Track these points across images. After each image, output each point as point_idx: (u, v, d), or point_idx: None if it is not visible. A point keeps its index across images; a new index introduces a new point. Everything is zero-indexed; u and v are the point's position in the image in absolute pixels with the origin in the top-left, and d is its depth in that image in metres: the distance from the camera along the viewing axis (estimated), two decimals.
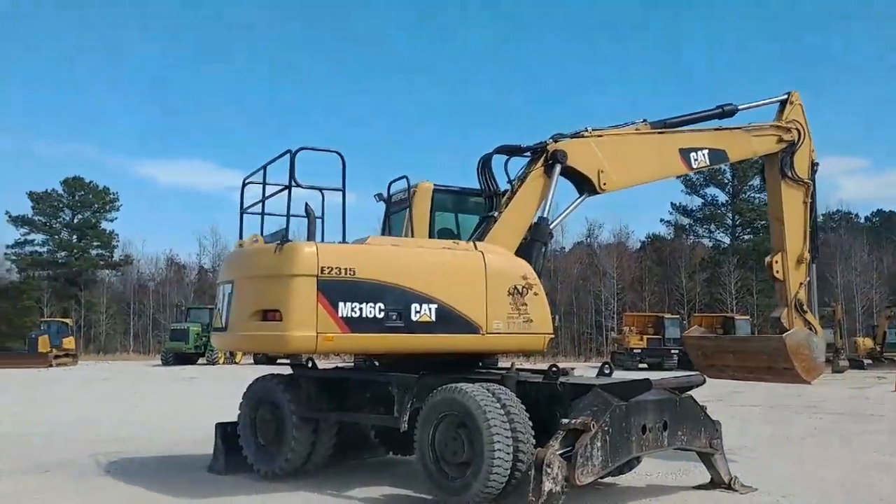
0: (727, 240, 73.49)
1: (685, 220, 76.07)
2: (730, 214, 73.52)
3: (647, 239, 77.40)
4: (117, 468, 9.22)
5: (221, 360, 41.51)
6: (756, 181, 71.70)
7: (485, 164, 8.60)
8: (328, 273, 7.03)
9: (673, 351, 41.40)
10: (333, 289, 7.04)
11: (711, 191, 74.16)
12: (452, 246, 7.96)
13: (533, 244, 8.41)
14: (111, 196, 76.68)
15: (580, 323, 65.16)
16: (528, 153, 8.76)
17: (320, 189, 7.74)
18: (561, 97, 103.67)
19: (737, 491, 7.76)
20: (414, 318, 7.31)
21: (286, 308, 7.05)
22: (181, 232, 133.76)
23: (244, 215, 8.33)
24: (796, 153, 10.13)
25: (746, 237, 72.78)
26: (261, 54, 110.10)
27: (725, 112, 10.00)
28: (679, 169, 9.74)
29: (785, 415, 16.43)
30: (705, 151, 9.60)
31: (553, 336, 8.08)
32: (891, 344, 46.04)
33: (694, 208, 75.23)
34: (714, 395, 20.46)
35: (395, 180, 9.02)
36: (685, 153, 9.46)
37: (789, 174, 10.09)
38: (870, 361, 44.70)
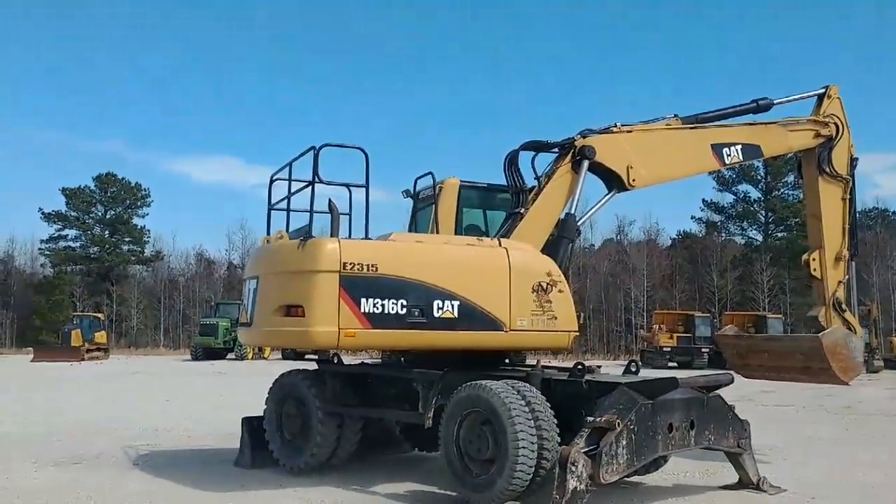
0: (760, 237, 72.50)
1: (717, 217, 75.16)
2: (762, 211, 72.55)
3: (678, 236, 76.52)
4: (147, 461, 9.32)
5: (250, 356, 41.80)
6: (790, 178, 70.61)
7: (511, 161, 8.54)
8: (350, 269, 7.05)
9: (703, 350, 40.91)
10: (356, 284, 7.06)
11: (744, 187, 73.23)
12: (476, 242, 7.92)
13: (560, 241, 8.33)
14: (143, 192, 77.76)
15: (609, 320, 64.71)
16: (556, 149, 8.71)
17: (346, 185, 7.79)
18: (561, 96, 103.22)
19: (765, 491, 7.65)
20: (436, 314, 7.29)
21: (309, 303, 7.10)
22: (211, 228, 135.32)
23: (271, 212, 8.40)
24: (834, 148, 9.91)
25: (780, 235, 71.75)
26: (285, 54, 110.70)
27: (761, 107, 9.80)
28: (711, 164, 9.59)
29: (817, 415, 16.18)
30: (738, 147, 9.43)
31: (578, 334, 8.01)
32: None
33: (726, 205, 74.32)
34: (744, 394, 20.20)
35: (420, 177, 9.05)
36: (718, 148, 9.30)
37: (827, 170, 9.87)
38: None
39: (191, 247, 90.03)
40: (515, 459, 6.45)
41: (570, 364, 7.87)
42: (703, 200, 75.08)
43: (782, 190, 71.60)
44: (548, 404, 6.87)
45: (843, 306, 9.88)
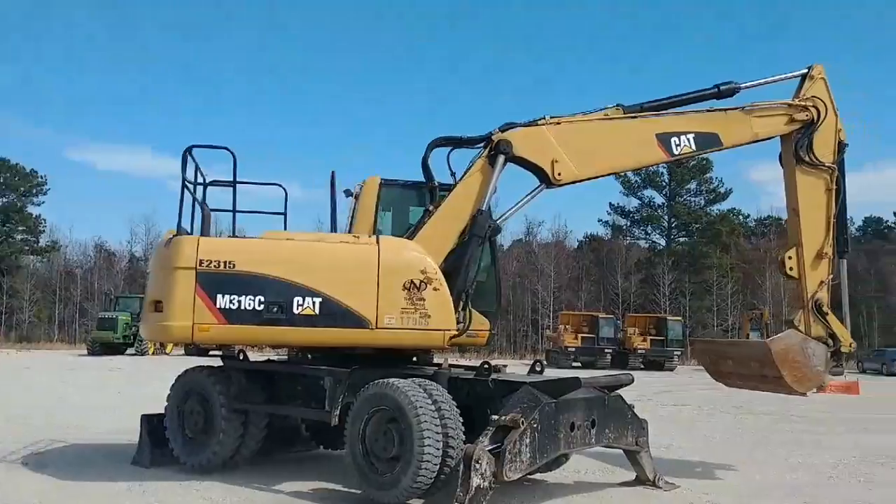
0: (663, 242, 75.00)
1: (623, 221, 77.41)
2: (666, 217, 75.01)
3: (586, 239, 78.51)
4: (38, 460, 8.93)
5: (151, 351, 40.55)
6: (693, 184, 73.61)
7: (425, 158, 8.44)
8: (207, 266, 7.31)
9: (606, 350, 42.18)
10: (212, 281, 7.28)
11: (649, 192, 75.59)
12: (352, 240, 7.91)
13: (470, 239, 8.10)
14: (38, 179, 74.27)
15: (516, 321, 65.70)
16: (476, 144, 8.46)
17: (213, 184, 8.23)
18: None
19: (660, 488, 7.96)
20: (296, 310, 7.39)
21: (167, 299, 7.40)
22: (114, 219, 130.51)
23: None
24: (816, 134, 8.94)
25: (682, 239, 74.40)
26: (195, 42, 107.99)
27: (723, 92, 8.95)
28: (657, 156, 8.90)
29: (712, 415, 16.89)
30: (690, 136, 8.72)
31: (459, 333, 7.78)
32: None
33: (631, 209, 76.59)
34: (643, 394, 20.91)
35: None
36: (664, 139, 8.65)
37: (806, 158, 8.93)
38: None
39: (90, 238, 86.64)
40: (421, 457, 6.50)
41: (477, 363, 7.97)
42: (610, 204, 77.21)
43: (685, 196, 74.28)
44: (454, 403, 6.95)
45: (825, 309, 8.88)
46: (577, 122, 8.52)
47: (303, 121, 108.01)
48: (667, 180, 73.78)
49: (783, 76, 9.23)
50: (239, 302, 7.28)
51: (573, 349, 41.78)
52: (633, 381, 8.18)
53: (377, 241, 7.81)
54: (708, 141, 8.85)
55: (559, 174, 8.31)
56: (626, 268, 66.91)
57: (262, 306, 7.31)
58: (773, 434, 13.51)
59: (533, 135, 8.36)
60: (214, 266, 7.30)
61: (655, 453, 8.46)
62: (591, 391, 7.46)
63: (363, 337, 7.57)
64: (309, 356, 8.68)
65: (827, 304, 8.89)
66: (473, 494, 6.08)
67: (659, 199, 75.47)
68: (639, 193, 75.65)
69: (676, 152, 8.74)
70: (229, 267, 7.32)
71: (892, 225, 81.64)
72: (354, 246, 7.77)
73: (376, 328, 7.48)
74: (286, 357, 9.63)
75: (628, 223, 77.29)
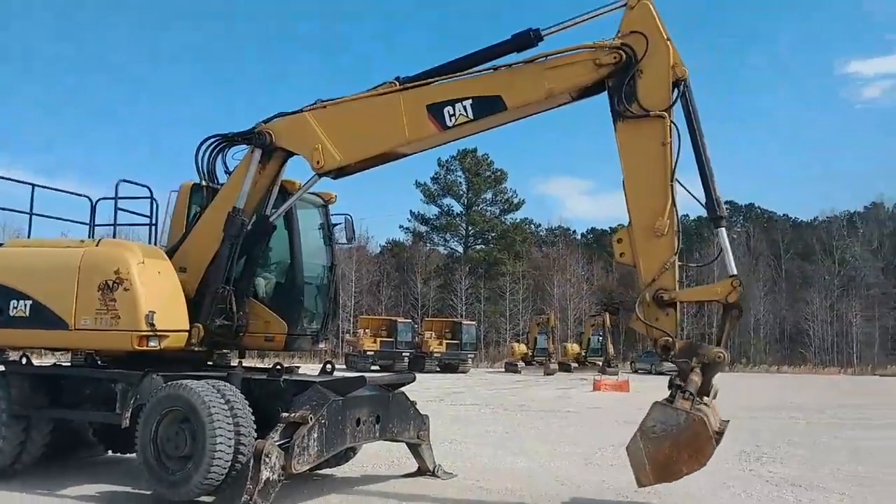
0: (460, 249, 77.97)
1: (423, 228, 79.70)
2: (464, 225, 78.05)
3: (388, 244, 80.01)
4: None
5: None
6: (489, 194, 77.30)
7: (196, 155, 8.44)
8: None
9: (404, 354, 43.36)
10: None
11: (448, 201, 78.46)
12: (72, 244, 8.24)
13: (224, 239, 7.98)
14: None
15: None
16: (244, 140, 8.26)
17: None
18: None
19: (439, 477, 8.72)
20: (12, 313, 7.94)
21: None
22: None
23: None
24: (641, 77, 6.87)
25: (478, 247, 77.82)
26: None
27: (521, 42, 7.23)
28: (428, 130, 7.49)
29: (497, 413, 18.11)
30: (467, 103, 7.30)
31: (147, 334, 7.53)
32: (594, 350, 51.77)
33: (431, 217, 79.08)
34: (436, 395, 22.04)
35: None
36: (436, 110, 7.40)
37: (628, 110, 6.88)
38: (576, 365, 49.94)
39: None
40: (213, 455, 6.77)
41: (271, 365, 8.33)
42: (411, 211, 79.46)
43: (481, 205, 77.79)
44: (246, 402, 7.27)
45: (666, 295, 6.72)
46: (342, 104, 7.90)
47: None
48: (465, 189, 76.96)
49: (595, 12, 7.09)
50: None
51: (372, 353, 42.48)
52: (415, 379, 8.89)
53: (96, 244, 8.09)
54: (488, 106, 7.30)
55: (319, 162, 7.79)
56: (425, 273, 68.90)
57: None
58: (547, 428, 14.81)
59: (294, 123, 8.02)
60: None
61: (443, 447, 9.20)
62: (376, 389, 8.08)
63: (62, 338, 7.91)
64: (98, 360, 8.63)
65: (674, 293, 6.77)
66: (262, 487, 6.45)
67: (457, 208, 78.55)
68: (438, 201, 78.38)
69: (450, 124, 7.38)
70: None
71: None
72: (65, 250, 8.10)
73: (74, 329, 7.72)
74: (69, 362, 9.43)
75: (428, 230, 79.76)
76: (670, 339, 6.68)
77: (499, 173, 76.95)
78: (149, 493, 7.31)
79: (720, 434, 6.40)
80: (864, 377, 53.77)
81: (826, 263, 71.88)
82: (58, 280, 7.78)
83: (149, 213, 9.22)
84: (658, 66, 6.84)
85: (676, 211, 6.84)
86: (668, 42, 6.84)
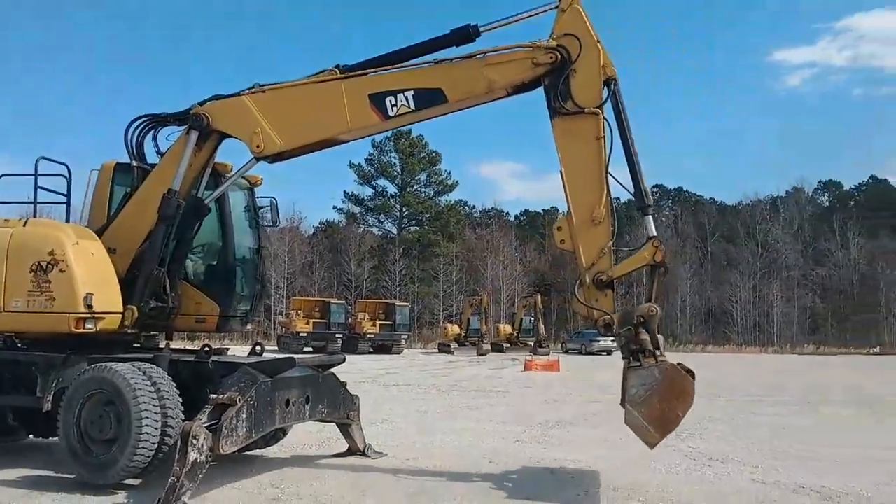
0: (395, 230, 77.88)
1: (357, 209, 79.25)
2: (398, 206, 77.94)
3: (321, 225, 79.38)
4: None
5: None
6: (423, 175, 77.26)
7: (126, 134, 8.35)
8: None
9: (337, 335, 43.19)
10: None
11: (382, 182, 78.17)
12: (14, 224, 7.99)
13: (158, 220, 7.93)
14: None
15: None
16: (180, 120, 8.24)
17: None
18: None
19: (369, 456, 8.80)
20: None
21: None
22: None
23: None
24: (574, 76, 7.32)
25: (412, 228, 77.85)
26: None
27: (460, 37, 7.66)
28: (370, 119, 7.72)
29: (428, 393, 18.27)
30: (409, 94, 7.57)
31: (84, 316, 7.49)
32: (526, 330, 52.48)
33: (365, 198, 78.68)
34: (370, 376, 22.11)
35: None
36: (378, 99, 7.63)
37: (563, 107, 7.33)
38: (508, 345, 50.57)
39: None
40: (139, 437, 6.71)
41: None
42: (345, 192, 78.88)
43: (416, 187, 77.73)
44: (174, 384, 7.20)
45: (604, 276, 7.18)
46: (282, 89, 8.04)
47: None
48: (399, 170, 76.78)
49: (530, 12, 7.56)
50: None
51: (305, 334, 42.26)
52: (344, 360, 8.95)
53: (23, 224, 7.90)
54: (430, 98, 7.59)
55: (259, 146, 7.82)
56: (359, 254, 68.66)
57: None
58: (478, 407, 15.04)
59: (232, 106, 8.03)
60: None
61: (374, 427, 9.28)
62: (306, 370, 8.09)
63: None
64: (18, 343, 8.42)
65: (611, 271, 7.23)
66: (190, 469, 6.39)
67: (392, 189, 78.39)
68: (372, 182, 78.06)
69: (392, 114, 7.65)
70: None
71: None
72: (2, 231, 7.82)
73: (3, 311, 7.56)
74: None
75: (362, 211, 79.40)
76: (609, 318, 7.10)
77: (433, 155, 77.01)
78: (72, 476, 7.19)
79: (690, 371, 6.87)
80: (784, 356, 55.86)
81: (750, 246, 74.36)
82: None
83: (65, 192, 8.94)
84: (590, 66, 7.30)
85: (611, 200, 7.35)
86: (599, 44, 7.33)
